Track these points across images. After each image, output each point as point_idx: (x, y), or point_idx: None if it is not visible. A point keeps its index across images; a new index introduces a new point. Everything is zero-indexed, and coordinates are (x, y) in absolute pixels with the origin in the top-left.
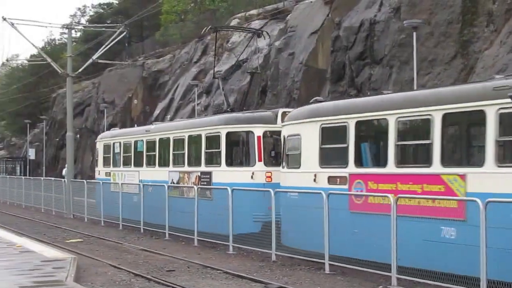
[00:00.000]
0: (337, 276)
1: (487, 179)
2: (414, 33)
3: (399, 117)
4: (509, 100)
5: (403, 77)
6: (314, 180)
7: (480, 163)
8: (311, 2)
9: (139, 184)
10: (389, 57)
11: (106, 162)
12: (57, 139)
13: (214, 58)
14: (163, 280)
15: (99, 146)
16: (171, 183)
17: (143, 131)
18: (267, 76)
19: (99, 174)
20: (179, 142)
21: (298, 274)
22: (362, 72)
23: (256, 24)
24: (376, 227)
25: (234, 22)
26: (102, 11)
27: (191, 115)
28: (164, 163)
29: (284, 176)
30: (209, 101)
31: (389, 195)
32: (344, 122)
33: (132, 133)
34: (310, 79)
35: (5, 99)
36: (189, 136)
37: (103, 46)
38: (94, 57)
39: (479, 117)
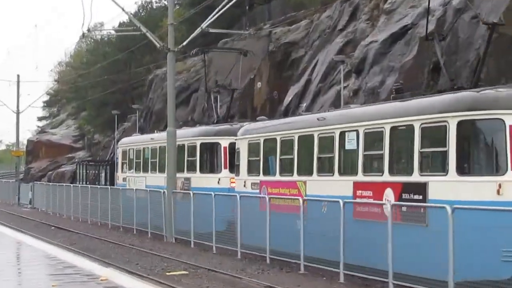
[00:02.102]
0: None
1: (314, 184)
2: None
3: (282, 137)
4: (326, 127)
5: None
6: (244, 185)
7: (311, 173)
8: None
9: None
10: None
11: (123, 168)
12: None
13: (205, 78)
14: None
15: (119, 152)
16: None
17: (149, 139)
18: (441, 47)
19: (118, 179)
20: None
21: None
22: None
23: None
24: (262, 221)
25: None
26: None
27: (335, 102)
28: (163, 169)
29: (236, 182)
30: (359, 83)
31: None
32: (258, 139)
33: (142, 140)
34: (503, 50)
35: (87, 83)
36: (178, 146)
37: (216, 11)
38: (204, 25)
39: (310, 140)
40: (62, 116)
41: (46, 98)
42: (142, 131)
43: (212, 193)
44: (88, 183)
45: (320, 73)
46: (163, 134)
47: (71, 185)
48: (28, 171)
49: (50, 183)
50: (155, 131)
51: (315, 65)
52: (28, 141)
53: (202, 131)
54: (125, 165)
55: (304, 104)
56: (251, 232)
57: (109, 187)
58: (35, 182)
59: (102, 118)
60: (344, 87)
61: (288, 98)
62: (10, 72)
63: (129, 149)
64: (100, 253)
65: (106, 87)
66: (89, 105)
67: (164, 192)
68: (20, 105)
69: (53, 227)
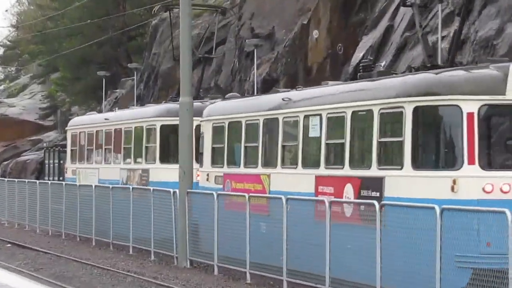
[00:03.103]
0: None
1: (278, 178)
2: None
3: (247, 119)
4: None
5: None
6: (207, 179)
7: (275, 165)
8: None
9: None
10: None
11: (72, 157)
12: None
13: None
14: None
15: (68, 137)
16: (122, 184)
17: (103, 120)
18: None
19: (66, 172)
20: (128, 135)
21: None
22: None
23: None
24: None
25: None
26: None
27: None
28: (118, 159)
29: (199, 175)
30: (466, 31)
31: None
32: (222, 122)
33: (95, 121)
34: None
35: (60, 30)
36: (135, 128)
37: None
38: None
39: (276, 124)
40: (24, 79)
41: (0, 52)
42: (142, 101)
43: (260, 194)
44: (62, 178)
45: (407, 17)
46: (120, 114)
47: (37, 181)
48: None
49: (5, 179)
50: (163, 102)
51: (399, 4)
52: None
53: (163, 110)
54: (74, 153)
55: (383, 63)
56: (299, 251)
57: (93, 184)
58: None
59: (83, 83)
60: (443, 38)
61: (358, 54)
62: None
63: (79, 133)
64: (80, 283)
65: (89, 36)
66: (64, 63)
67: (174, 192)
68: None
69: (9, 244)
